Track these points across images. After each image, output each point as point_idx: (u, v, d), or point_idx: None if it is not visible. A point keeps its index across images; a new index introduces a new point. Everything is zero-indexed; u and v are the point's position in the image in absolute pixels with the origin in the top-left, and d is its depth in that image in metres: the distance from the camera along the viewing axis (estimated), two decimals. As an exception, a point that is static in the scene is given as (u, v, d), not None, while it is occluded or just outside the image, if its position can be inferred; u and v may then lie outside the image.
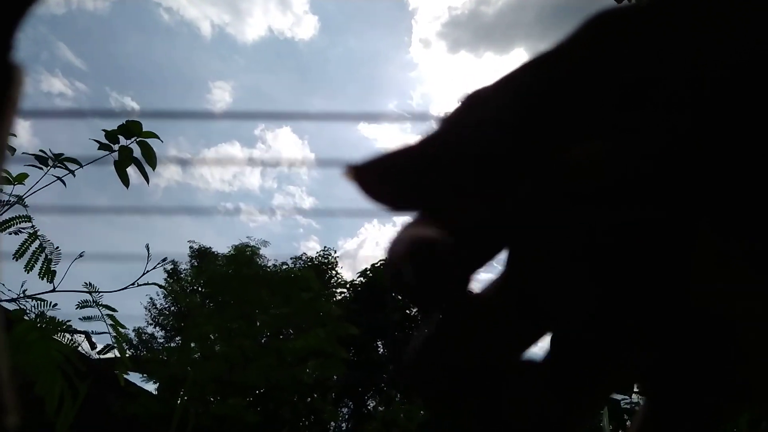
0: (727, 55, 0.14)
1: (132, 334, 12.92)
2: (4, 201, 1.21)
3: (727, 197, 0.15)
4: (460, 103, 0.16)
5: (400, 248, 0.15)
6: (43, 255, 1.27)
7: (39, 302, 1.21)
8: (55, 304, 1.23)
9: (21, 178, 1.33)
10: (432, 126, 0.16)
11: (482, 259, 0.17)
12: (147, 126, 1.41)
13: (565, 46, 0.15)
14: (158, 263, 1.23)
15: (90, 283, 1.24)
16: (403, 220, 0.17)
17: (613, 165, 0.15)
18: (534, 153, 0.15)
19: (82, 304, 1.23)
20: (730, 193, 0.15)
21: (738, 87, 0.14)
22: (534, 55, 0.15)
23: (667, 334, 0.16)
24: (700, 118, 0.14)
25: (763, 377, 0.15)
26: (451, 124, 0.16)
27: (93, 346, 1.39)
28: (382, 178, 0.16)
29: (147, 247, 1.18)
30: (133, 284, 1.21)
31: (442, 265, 0.15)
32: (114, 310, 1.23)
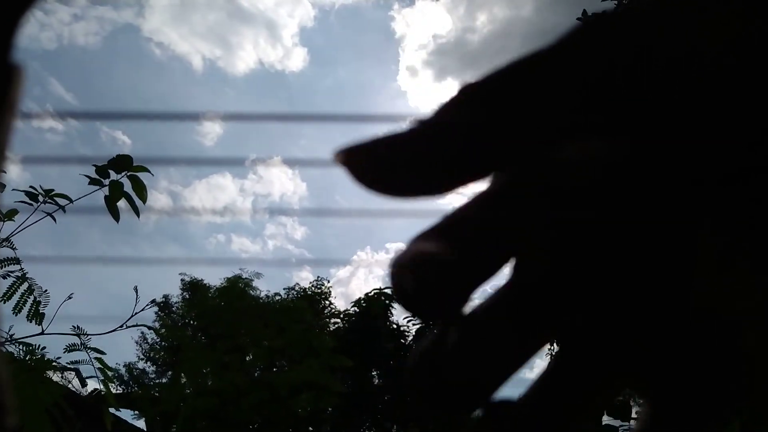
0: (717, 54, 0.14)
1: (123, 370, 12.71)
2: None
3: (728, 197, 0.15)
4: (454, 94, 0.16)
5: (404, 259, 0.16)
6: (32, 297, 1.25)
7: (26, 346, 1.19)
8: (44, 347, 1.20)
9: (11, 215, 1.31)
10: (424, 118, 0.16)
11: (486, 272, 0.16)
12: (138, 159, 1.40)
13: (557, 46, 0.15)
14: (146, 305, 1.21)
15: (78, 326, 1.21)
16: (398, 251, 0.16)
17: (605, 162, 0.15)
18: (523, 148, 0.15)
19: (70, 348, 1.20)
20: (730, 193, 0.15)
21: (731, 86, 0.14)
22: (526, 52, 0.15)
23: (669, 336, 0.16)
24: (693, 119, 0.14)
25: (764, 378, 0.15)
26: (443, 114, 0.16)
27: (84, 383, 1.36)
28: (371, 163, 0.16)
29: (135, 289, 1.16)
30: (121, 326, 1.19)
31: (442, 277, 0.15)
32: (102, 352, 1.20)
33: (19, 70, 0.17)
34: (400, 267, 0.16)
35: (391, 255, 0.16)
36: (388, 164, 0.16)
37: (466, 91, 0.16)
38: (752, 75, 0.14)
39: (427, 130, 0.16)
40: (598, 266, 0.16)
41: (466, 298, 0.16)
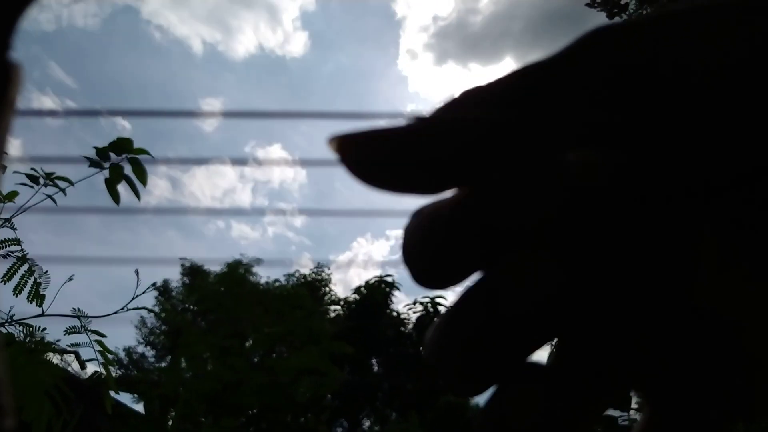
0: (719, 61, 0.14)
1: (122, 354, 12.78)
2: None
3: (730, 198, 0.15)
4: (454, 97, 0.16)
5: (422, 212, 0.16)
6: (32, 279, 1.25)
7: (26, 327, 1.19)
8: (44, 329, 1.21)
9: (11, 197, 1.31)
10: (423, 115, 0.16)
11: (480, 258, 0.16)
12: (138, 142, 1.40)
13: (560, 56, 0.15)
14: (147, 288, 1.21)
15: (78, 309, 1.22)
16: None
17: (610, 172, 0.15)
18: (520, 153, 0.15)
19: (70, 330, 1.21)
20: (733, 194, 0.15)
21: (733, 91, 0.14)
22: (528, 62, 0.16)
23: (671, 337, 0.16)
24: (697, 123, 0.15)
25: (766, 379, 0.15)
26: (442, 113, 0.16)
27: (83, 366, 1.37)
28: (364, 154, 0.15)
29: (136, 272, 1.16)
30: (122, 309, 1.19)
31: (452, 234, 0.16)
32: (102, 335, 1.21)
33: (17, 68, 0.17)
34: (418, 218, 0.16)
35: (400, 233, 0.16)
36: (381, 157, 0.15)
37: (468, 94, 0.16)
38: (750, 84, 0.14)
39: (425, 127, 0.15)
40: (598, 268, 0.16)
41: (466, 270, 0.16)
